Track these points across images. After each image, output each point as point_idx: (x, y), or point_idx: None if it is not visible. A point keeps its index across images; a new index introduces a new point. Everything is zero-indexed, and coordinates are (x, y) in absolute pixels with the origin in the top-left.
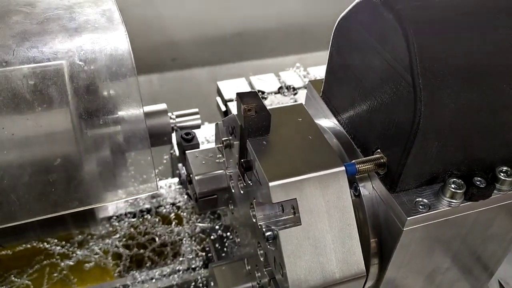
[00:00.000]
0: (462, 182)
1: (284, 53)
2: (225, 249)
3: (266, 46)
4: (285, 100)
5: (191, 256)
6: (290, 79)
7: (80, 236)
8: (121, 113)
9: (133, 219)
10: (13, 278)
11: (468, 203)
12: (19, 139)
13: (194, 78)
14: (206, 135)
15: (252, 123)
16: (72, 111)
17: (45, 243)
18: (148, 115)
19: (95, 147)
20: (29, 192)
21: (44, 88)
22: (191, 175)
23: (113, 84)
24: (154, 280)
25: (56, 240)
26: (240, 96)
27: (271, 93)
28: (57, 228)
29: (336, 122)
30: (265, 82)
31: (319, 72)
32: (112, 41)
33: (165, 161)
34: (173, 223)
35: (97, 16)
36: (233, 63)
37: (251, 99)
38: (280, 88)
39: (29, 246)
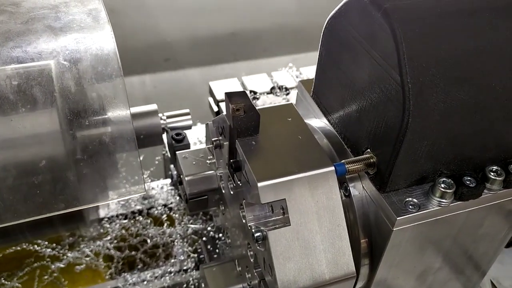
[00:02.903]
0: (452, 182)
1: (277, 54)
2: (217, 250)
3: (259, 47)
4: (277, 100)
5: (183, 258)
6: (283, 79)
7: (71, 238)
8: (107, 114)
9: (124, 221)
10: (3, 281)
11: (458, 202)
12: (2, 140)
13: (187, 79)
14: (199, 135)
15: (241, 123)
16: (58, 112)
17: (36, 246)
18: (138, 115)
19: (81, 148)
20: (13, 194)
21: (28, 89)
22: (181, 176)
23: (99, 85)
24: (145, 282)
25: (46, 243)
26: (229, 96)
27: (264, 93)
28: (48, 230)
29: (327, 122)
30: (257, 82)
31: (312, 72)
32: (97, 41)
33: (157, 162)
34: (165, 224)
35: (83, 15)
36: (226, 64)
37: (239, 98)
38: (273, 88)
39: (19, 248)
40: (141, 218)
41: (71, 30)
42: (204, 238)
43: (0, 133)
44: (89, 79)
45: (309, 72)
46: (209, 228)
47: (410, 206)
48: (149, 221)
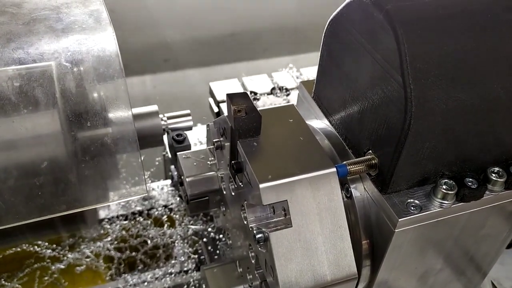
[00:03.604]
0: (454, 183)
1: (278, 54)
2: (217, 251)
3: (259, 47)
4: (278, 101)
5: (183, 259)
6: (283, 80)
7: (71, 239)
8: (109, 115)
9: (125, 222)
10: (3, 282)
11: (460, 204)
12: (4, 141)
13: (187, 79)
14: (199, 136)
15: (243, 124)
16: (59, 113)
17: (36, 247)
18: (139, 116)
19: (82, 150)
20: (15, 196)
21: (30, 90)
22: (182, 177)
23: (100, 86)
24: (146, 283)
25: (46, 243)
26: (230, 97)
27: (264, 94)
28: (48, 231)
29: (328, 123)
30: (257, 83)
31: (312, 73)
32: (99, 42)
33: (157, 163)
34: (166, 225)
35: (84, 16)
36: (226, 64)
37: (241, 100)
38: (273, 89)
39: (19, 249)
40: (141, 219)
41: (73, 31)
42: (204, 239)
43: (1, 134)
44: (90, 80)
45: (310, 72)
46: (209, 229)
47: (412, 208)
48: (149, 222)
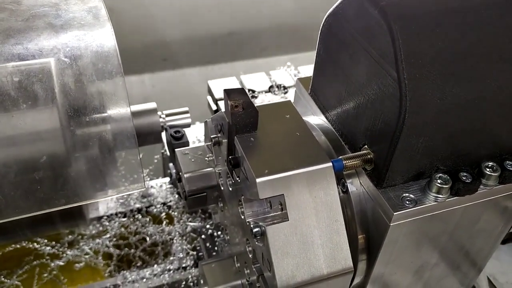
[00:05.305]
0: (448, 177)
1: (276, 53)
2: (216, 248)
3: (257, 46)
4: (275, 99)
5: (181, 255)
6: (281, 78)
7: (70, 236)
8: (107, 111)
9: (123, 219)
10: (2, 279)
11: (455, 198)
12: (4, 136)
13: (185, 78)
14: (198, 134)
15: (240, 120)
16: (58, 108)
17: (35, 244)
18: (137, 114)
19: (81, 145)
20: (14, 190)
21: (29, 85)
22: (180, 173)
23: (99, 82)
24: (144, 280)
25: (46, 240)
26: (228, 93)
27: (262, 92)
28: (48, 228)
29: (324, 119)
30: (255, 81)
31: (310, 71)
32: (98, 38)
33: (156, 161)
34: (164, 222)
35: (83, 13)
36: (225, 63)
37: (238, 95)
38: (271, 87)
39: (18, 246)
40: (140, 216)
41: (72, 27)
42: (203, 236)
43: (1, 129)
44: (89, 76)
45: (307, 71)
46: (208, 226)
47: (407, 202)
48: (148, 219)
